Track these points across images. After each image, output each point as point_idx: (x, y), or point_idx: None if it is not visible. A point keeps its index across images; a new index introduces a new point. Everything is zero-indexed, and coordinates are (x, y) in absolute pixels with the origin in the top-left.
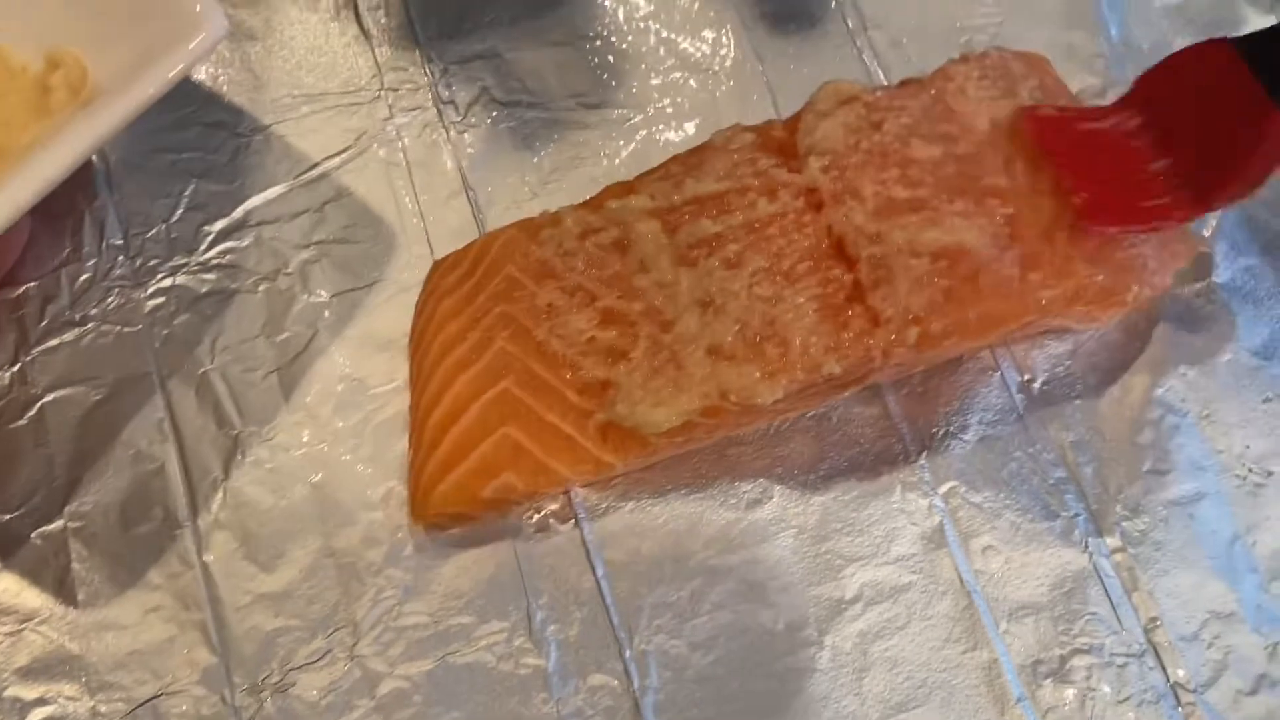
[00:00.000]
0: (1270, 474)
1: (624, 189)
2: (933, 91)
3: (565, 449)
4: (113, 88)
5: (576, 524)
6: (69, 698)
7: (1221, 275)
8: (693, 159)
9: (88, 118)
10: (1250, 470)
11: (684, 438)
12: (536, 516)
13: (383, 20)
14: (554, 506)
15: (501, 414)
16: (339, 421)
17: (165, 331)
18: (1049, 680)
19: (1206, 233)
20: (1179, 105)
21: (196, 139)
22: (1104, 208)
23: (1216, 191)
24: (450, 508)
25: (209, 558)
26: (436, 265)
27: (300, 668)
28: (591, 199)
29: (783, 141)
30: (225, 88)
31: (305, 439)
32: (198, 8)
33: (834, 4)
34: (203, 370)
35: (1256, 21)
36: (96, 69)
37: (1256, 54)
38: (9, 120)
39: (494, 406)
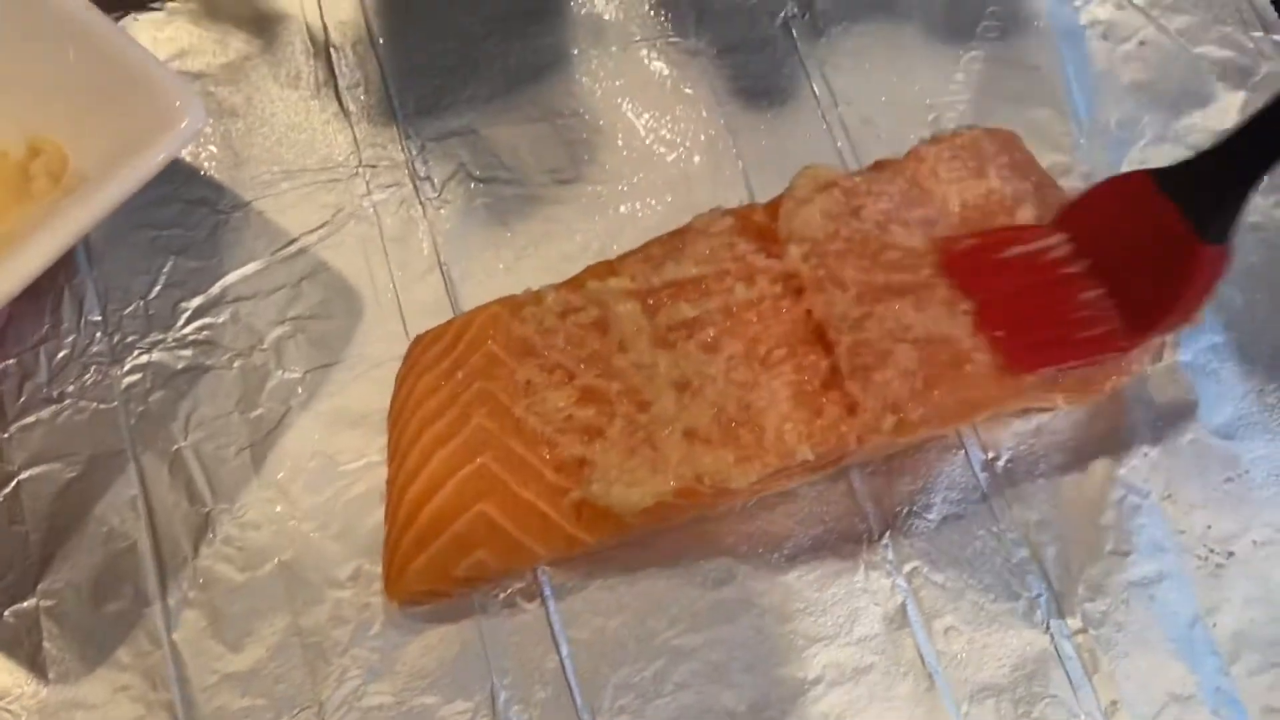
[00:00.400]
0: (1231, 554)
1: (605, 269)
2: (907, 174)
3: (539, 526)
4: (94, 175)
5: (543, 602)
6: None
7: (1185, 354)
8: (673, 241)
9: (70, 206)
10: (1211, 551)
11: (658, 517)
12: (503, 594)
13: (362, 98)
14: (520, 584)
15: (478, 490)
16: (309, 499)
17: (140, 408)
18: None
19: None
20: (1105, 237)
21: (177, 215)
22: (1030, 348)
23: (1154, 322)
24: (424, 584)
25: (178, 636)
26: (418, 340)
27: None
28: (573, 278)
29: (762, 226)
30: (206, 164)
31: (275, 516)
32: (177, 102)
33: (805, 80)
34: (176, 447)
35: (1224, 97)
36: (77, 156)
37: (1174, 186)
38: None
39: (470, 483)
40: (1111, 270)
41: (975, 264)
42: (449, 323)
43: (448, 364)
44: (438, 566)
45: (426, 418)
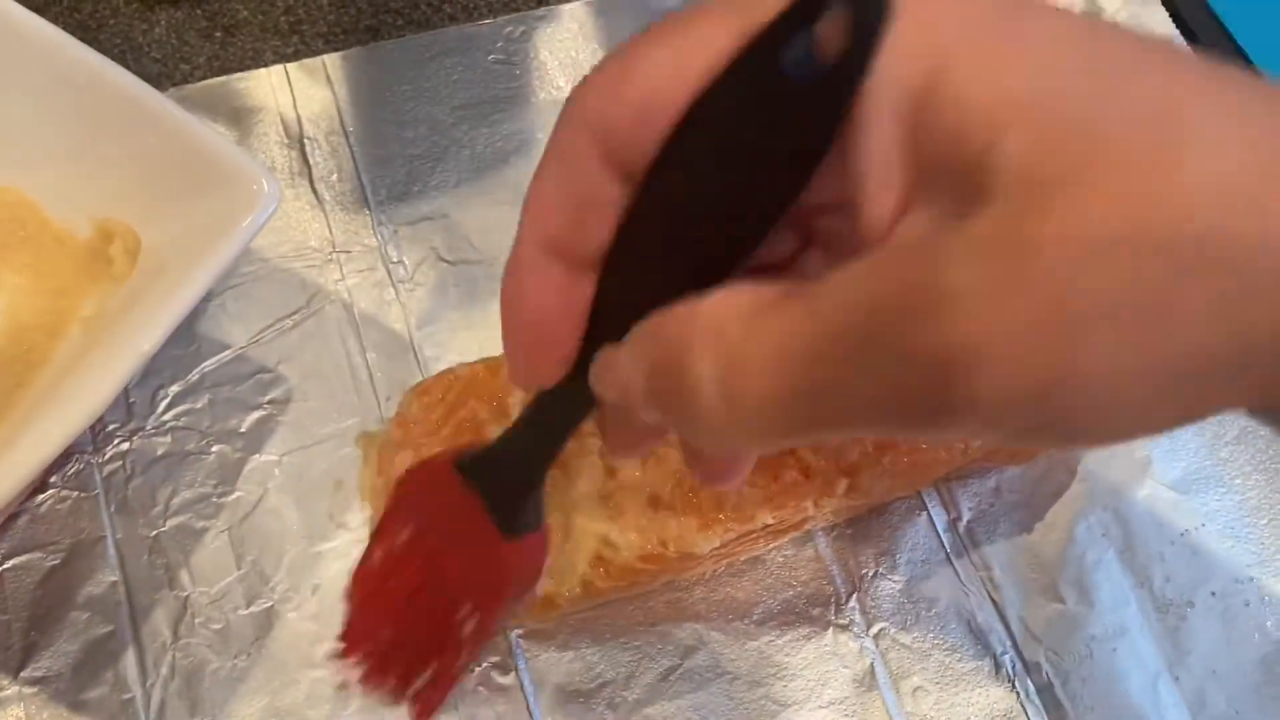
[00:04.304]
0: (1192, 605)
1: None
2: None
3: None
4: (170, 257)
5: (517, 675)
6: None
7: None
8: None
9: (169, 286)
10: (1171, 604)
11: (628, 583)
12: (479, 669)
13: (335, 186)
14: (495, 657)
15: None
16: (286, 580)
17: (120, 495)
18: None
19: None
20: (433, 524)
21: None
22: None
23: (484, 624)
24: None
25: None
26: (407, 392)
27: None
28: None
29: None
30: None
31: (253, 598)
32: (255, 185)
33: None
34: (155, 532)
35: None
36: (148, 239)
37: (475, 474)
38: (66, 288)
39: None
40: (449, 560)
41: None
42: (438, 377)
43: (435, 417)
44: None
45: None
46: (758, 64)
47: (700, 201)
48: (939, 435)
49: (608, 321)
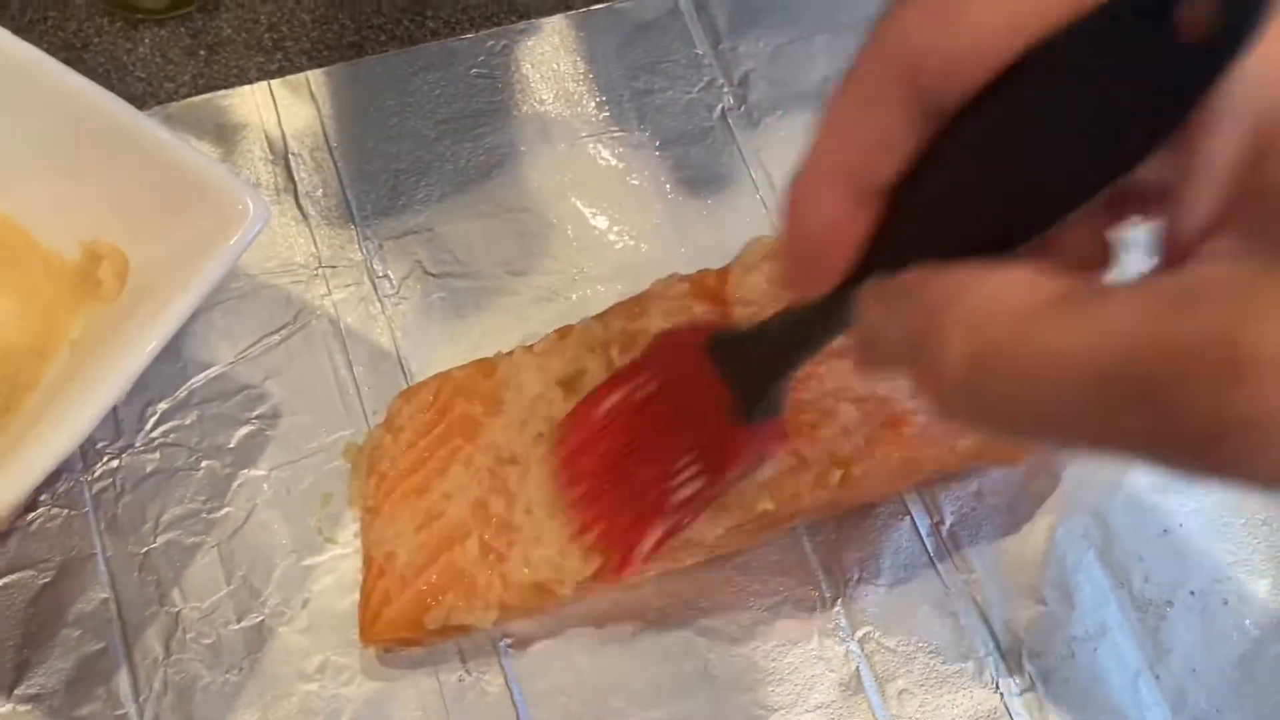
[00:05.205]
0: (1171, 604)
1: (568, 332)
2: None
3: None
4: (158, 277)
5: (507, 684)
6: None
7: None
8: (634, 307)
9: (155, 307)
10: (1151, 603)
11: None
12: (468, 678)
13: (321, 201)
14: (485, 666)
15: (450, 539)
16: (277, 595)
17: (110, 512)
18: None
19: None
20: (677, 383)
21: None
22: (629, 546)
23: (700, 495)
24: (396, 633)
25: None
26: (397, 397)
27: None
28: (535, 344)
29: (715, 290)
30: None
31: (244, 613)
32: (239, 204)
33: (743, 168)
34: (146, 549)
35: None
36: (135, 260)
37: (722, 355)
38: (54, 311)
39: (444, 532)
40: (680, 421)
41: (579, 446)
42: (427, 380)
43: (428, 418)
44: (408, 615)
45: (404, 470)
46: (1119, 25)
47: (1013, 160)
48: (1202, 481)
49: (885, 251)
